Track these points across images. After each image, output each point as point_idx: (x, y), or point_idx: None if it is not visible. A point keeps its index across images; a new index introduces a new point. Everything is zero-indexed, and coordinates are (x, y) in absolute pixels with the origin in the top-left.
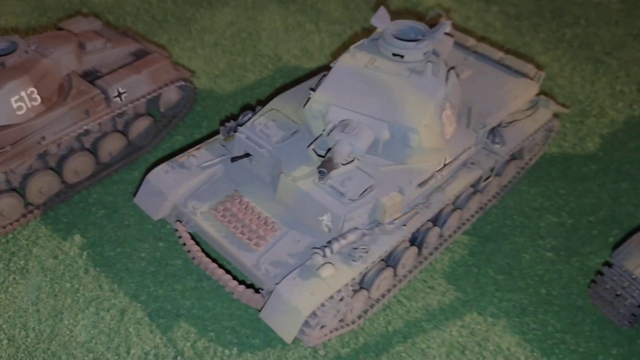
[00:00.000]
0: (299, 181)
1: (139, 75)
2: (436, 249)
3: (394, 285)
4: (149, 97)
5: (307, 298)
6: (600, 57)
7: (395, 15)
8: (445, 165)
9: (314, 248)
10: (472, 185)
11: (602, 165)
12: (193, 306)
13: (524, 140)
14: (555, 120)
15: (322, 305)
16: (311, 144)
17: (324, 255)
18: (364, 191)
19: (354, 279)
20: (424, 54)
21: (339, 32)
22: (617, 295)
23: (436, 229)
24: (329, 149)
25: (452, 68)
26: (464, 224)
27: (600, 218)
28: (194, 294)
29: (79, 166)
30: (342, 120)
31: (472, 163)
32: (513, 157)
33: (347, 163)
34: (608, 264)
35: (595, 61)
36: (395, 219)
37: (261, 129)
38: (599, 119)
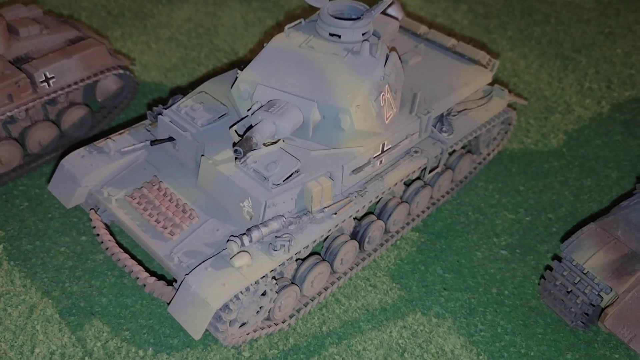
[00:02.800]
0: (221, 165)
1: (69, 60)
2: (381, 245)
3: (332, 283)
4: (81, 84)
5: (218, 289)
6: (569, 55)
7: None
8: (384, 151)
9: (232, 236)
10: (419, 177)
11: (565, 161)
12: (110, 303)
13: (475, 129)
14: (512, 112)
15: (237, 298)
16: (233, 125)
17: (242, 244)
18: (289, 176)
19: (274, 270)
20: (363, 34)
21: None
22: (568, 293)
23: (379, 223)
24: (249, 127)
25: (394, 49)
26: (413, 219)
27: (560, 215)
28: (112, 290)
29: (4, 156)
30: (270, 100)
31: (416, 151)
32: (469, 151)
33: (271, 144)
34: (558, 258)
35: (564, 58)
36: (325, 207)
37: (187, 112)
38: (564, 116)
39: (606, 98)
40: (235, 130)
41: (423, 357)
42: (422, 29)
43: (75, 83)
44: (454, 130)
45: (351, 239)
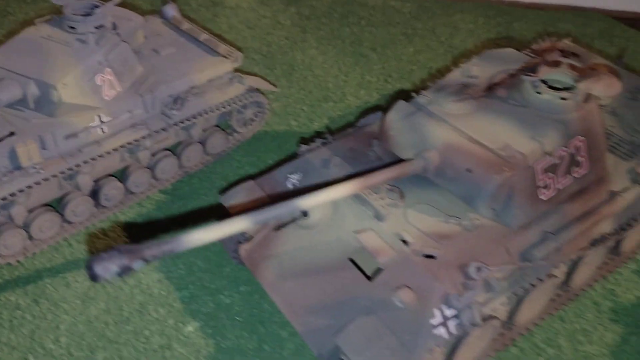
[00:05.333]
0: None
1: None
2: (121, 202)
3: (65, 230)
4: None
5: None
6: (364, 52)
7: None
8: (103, 122)
9: None
10: (169, 149)
11: None
12: None
13: (207, 109)
14: (261, 97)
15: None
16: None
17: None
18: (2, 138)
19: None
20: (96, 27)
21: None
22: None
23: (116, 184)
24: None
25: (125, 42)
26: (161, 183)
27: None
28: None
29: None
30: None
31: (140, 124)
32: (223, 129)
33: None
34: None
35: (358, 55)
36: (36, 164)
37: None
38: (336, 104)
39: (380, 90)
40: None
41: (122, 288)
42: (185, 25)
43: None
44: (183, 108)
45: (88, 196)
